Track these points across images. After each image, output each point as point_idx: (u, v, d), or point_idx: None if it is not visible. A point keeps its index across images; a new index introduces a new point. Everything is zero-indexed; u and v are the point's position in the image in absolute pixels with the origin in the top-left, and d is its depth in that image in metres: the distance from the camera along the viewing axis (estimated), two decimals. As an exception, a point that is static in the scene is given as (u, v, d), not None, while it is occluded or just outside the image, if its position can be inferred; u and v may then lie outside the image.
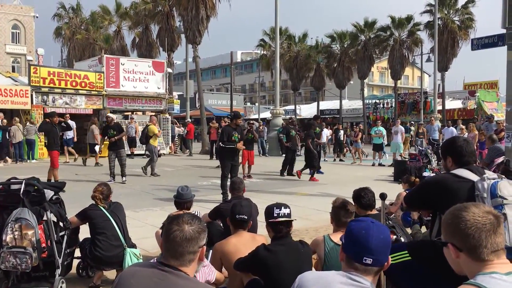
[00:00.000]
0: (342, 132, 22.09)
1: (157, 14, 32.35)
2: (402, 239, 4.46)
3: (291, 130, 15.42)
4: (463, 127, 17.79)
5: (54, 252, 4.34)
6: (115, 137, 12.39)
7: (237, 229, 3.99)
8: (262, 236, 4.16)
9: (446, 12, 36.29)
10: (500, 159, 9.00)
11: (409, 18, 38.24)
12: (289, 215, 3.57)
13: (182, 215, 2.09)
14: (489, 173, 3.10)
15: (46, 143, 11.24)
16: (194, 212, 5.27)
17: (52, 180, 10.65)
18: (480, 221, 1.77)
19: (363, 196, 4.51)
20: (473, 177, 3.06)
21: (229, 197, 9.55)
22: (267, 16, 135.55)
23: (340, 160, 20.80)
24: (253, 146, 13.01)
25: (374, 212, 4.59)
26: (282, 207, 3.56)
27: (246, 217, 3.97)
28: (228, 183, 10.05)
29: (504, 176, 3.12)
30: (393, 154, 17.81)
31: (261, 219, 4.74)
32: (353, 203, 4.38)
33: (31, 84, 19.83)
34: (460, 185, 3.05)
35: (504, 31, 8.89)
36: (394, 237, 4.49)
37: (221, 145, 10.01)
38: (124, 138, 13.52)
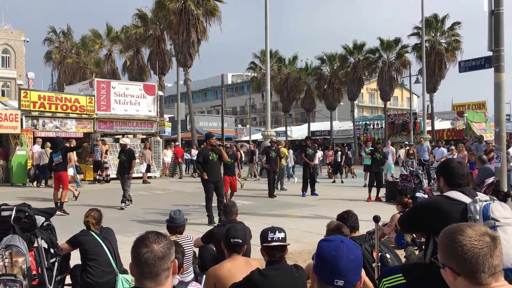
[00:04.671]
0: (340, 153, 22.29)
1: (148, 37, 32.58)
2: (388, 256, 4.48)
3: (271, 152, 15.41)
4: (453, 148, 17.93)
5: (45, 280, 4.26)
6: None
7: (232, 253, 3.96)
8: (257, 260, 4.13)
9: (433, 35, 36.94)
10: (491, 180, 9.08)
11: (397, 41, 38.84)
12: (283, 239, 3.55)
13: (147, 235, 2.05)
14: (481, 195, 3.13)
15: (61, 164, 11.77)
16: (186, 236, 5.23)
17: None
18: (477, 246, 1.75)
19: (346, 219, 4.64)
20: (466, 199, 3.09)
21: (215, 219, 9.57)
22: (257, 39, 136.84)
23: (333, 181, 20.86)
24: (234, 171, 12.84)
25: (358, 234, 4.67)
26: (277, 231, 3.55)
27: (240, 241, 3.94)
28: (214, 204, 10.11)
29: (495, 198, 3.15)
30: (385, 175, 17.85)
31: (253, 243, 4.72)
32: None
33: (21, 108, 19.74)
34: (453, 207, 3.07)
35: (490, 53, 9.07)
36: (380, 254, 4.52)
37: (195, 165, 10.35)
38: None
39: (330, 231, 4.00)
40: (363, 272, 3.93)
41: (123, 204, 12.22)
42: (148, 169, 21.39)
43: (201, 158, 10.05)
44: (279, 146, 16.86)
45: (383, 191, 13.97)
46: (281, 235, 3.54)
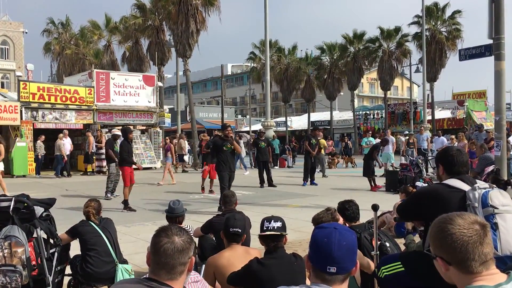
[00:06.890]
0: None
1: (147, 28, 32.37)
2: (387, 244, 4.48)
3: (260, 143, 15.50)
4: (453, 136, 17.90)
5: (45, 270, 4.26)
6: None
7: (231, 242, 3.97)
8: (256, 249, 4.14)
9: (433, 23, 36.69)
10: (490, 168, 9.08)
11: (397, 30, 38.61)
12: (279, 228, 3.57)
13: (170, 227, 2.05)
14: (480, 183, 3.11)
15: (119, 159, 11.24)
16: (186, 226, 5.25)
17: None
18: (466, 234, 1.73)
19: (347, 209, 4.64)
20: (465, 187, 3.07)
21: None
22: (257, 29, 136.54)
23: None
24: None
25: (358, 223, 4.68)
26: (273, 221, 3.57)
27: (240, 231, 3.95)
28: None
29: (495, 186, 3.14)
30: (384, 164, 17.88)
31: (253, 232, 4.73)
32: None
33: (21, 99, 19.72)
34: (452, 195, 3.06)
35: (491, 41, 9.02)
36: (379, 242, 4.52)
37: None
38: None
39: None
40: (362, 256, 3.94)
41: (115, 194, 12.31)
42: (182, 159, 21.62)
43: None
44: (319, 138, 16.73)
45: (382, 180, 13.99)
46: (277, 224, 3.56)
